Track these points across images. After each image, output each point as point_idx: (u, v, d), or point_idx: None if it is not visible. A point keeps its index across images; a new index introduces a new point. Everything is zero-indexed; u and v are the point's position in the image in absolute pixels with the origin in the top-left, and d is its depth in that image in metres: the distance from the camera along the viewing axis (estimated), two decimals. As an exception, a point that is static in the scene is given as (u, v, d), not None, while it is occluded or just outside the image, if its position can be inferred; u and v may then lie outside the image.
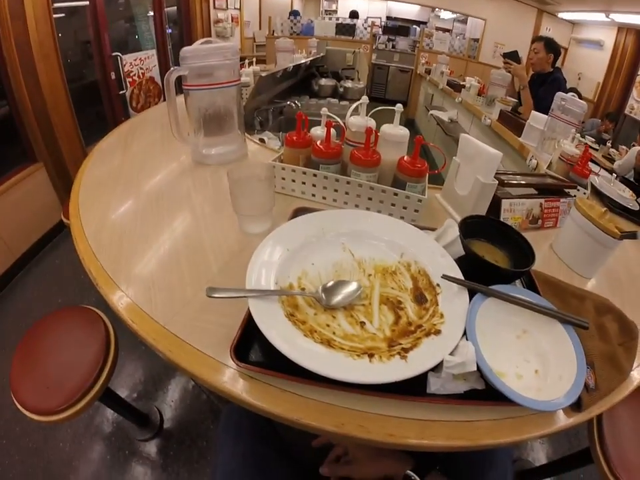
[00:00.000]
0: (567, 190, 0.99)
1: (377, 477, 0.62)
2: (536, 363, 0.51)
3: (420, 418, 0.48)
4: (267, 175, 0.68)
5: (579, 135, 1.25)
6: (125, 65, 2.42)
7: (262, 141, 1.12)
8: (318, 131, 0.87)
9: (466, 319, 0.52)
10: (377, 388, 0.45)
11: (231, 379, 0.49)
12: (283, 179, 0.86)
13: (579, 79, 4.64)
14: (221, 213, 0.80)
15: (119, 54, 2.36)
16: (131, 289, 0.60)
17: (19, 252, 1.94)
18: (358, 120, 0.83)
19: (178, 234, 0.73)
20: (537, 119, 1.60)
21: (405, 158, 0.79)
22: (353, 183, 0.80)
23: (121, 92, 2.43)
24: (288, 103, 1.65)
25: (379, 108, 0.85)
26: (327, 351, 0.47)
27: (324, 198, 0.86)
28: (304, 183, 0.85)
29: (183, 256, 0.68)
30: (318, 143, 0.82)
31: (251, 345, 0.51)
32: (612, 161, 2.16)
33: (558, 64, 2.36)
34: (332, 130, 0.83)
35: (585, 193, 1.04)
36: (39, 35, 1.83)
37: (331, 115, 0.85)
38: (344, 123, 0.86)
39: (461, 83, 3.34)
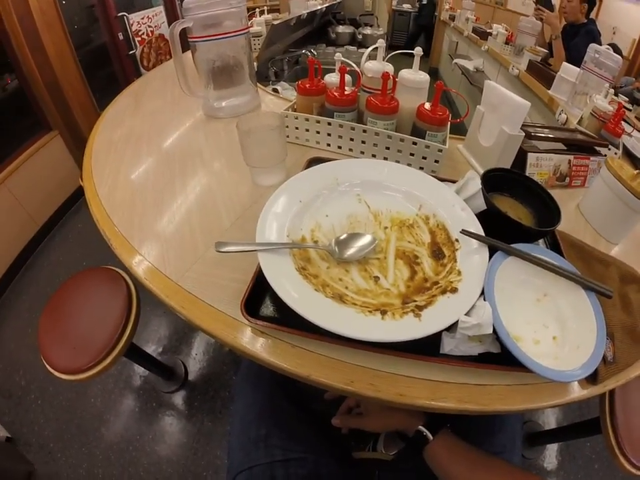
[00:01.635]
0: (597, 148, 0.92)
1: (388, 430, 0.63)
2: (555, 329, 0.48)
3: (432, 379, 0.46)
4: (278, 124, 0.64)
5: (612, 90, 1.15)
6: (132, 25, 2.34)
7: (275, 91, 1.07)
8: (332, 78, 0.82)
9: (484, 278, 0.49)
10: (389, 346, 0.44)
11: (242, 334, 0.48)
12: (297, 128, 0.82)
13: (614, 33, 4.22)
14: (234, 166, 0.77)
15: (125, 14, 2.28)
16: (144, 247, 0.59)
17: (42, 220, 1.98)
18: (374, 65, 0.77)
19: (190, 190, 0.72)
20: (568, 71, 1.48)
21: (425, 105, 0.74)
22: (370, 132, 0.75)
23: (131, 52, 2.36)
24: (303, 51, 1.54)
25: (396, 52, 0.78)
26: (337, 306, 0.45)
27: (339, 147, 0.82)
28: (318, 132, 0.81)
29: (195, 211, 0.66)
30: (332, 90, 0.77)
31: (262, 300, 0.51)
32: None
33: (592, 16, 2.17)
34: (347, 76, 0.78)
35: (616, 153, 0.96)
36: (40, 3, 1.75)
37: (346, 60, 0.79)
38: (360, 69, 0.80)
39: (488, 31, 3.10)
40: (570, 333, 0.47)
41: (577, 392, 0.48)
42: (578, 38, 2.02)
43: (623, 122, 1.04)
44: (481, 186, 0.59)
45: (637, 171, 0.70)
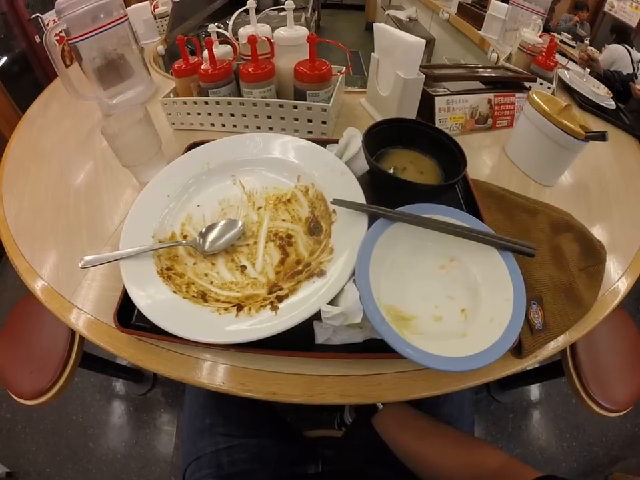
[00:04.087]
0: (527, 84, 0.86)
1: None
2: (464, 300, 0.40)
3: (307, 373, 0.43)
4: (141, 116, 0.59)
5: (541, 22, 1.07)
6: (48, 25, 2.19)
7: (172, 74, 1.00)
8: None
9: (357, 254, 0.41)
10: (257, 343, 0.39)
11: (124, 344, 0.47)
12: (178, 113, 0.77)
13: (556, -28, 3.98)
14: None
15: (39, 15, 2.13)
16: (43, 268, 0.57)
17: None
18: (247, 30, 0.70)
19: (82, 199, 0.68)
20: (497, 8, 1.41)
21: (300, 63, 0.67)
22: (247, 103, 0.70)
23: (51, 54, 2.23)
24: (216, 24, 1.42)
25: (266, 10, 0.71)
26: (192, 307, 0.42)
27: (223, 125, 0.77)
28: (199, 114, 0.75)
29: (84, 222, 0.63)
30: (203, 66, 0.71)
31: (134, 308, 0.48)
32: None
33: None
34: (227, 47, 0.72)
35: (549, 87, 0.89)
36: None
37: (221, 30, 0.72)
38: (236, 38, 0.74)
39: (419, -24, 2.91)
40: (482, 303, 0.39)
41: (495, 371, 0.43)
42: None
43: (558, 54, 0.98)
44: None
45: (566, 103, 0.62)
